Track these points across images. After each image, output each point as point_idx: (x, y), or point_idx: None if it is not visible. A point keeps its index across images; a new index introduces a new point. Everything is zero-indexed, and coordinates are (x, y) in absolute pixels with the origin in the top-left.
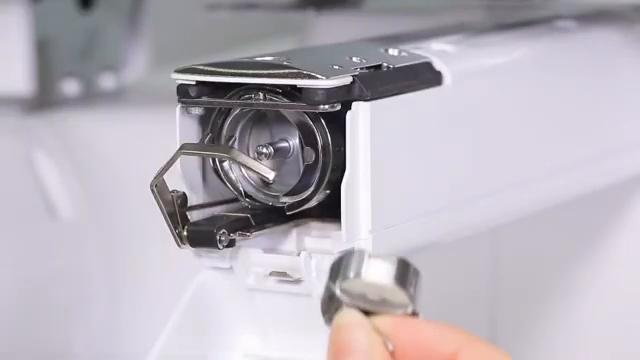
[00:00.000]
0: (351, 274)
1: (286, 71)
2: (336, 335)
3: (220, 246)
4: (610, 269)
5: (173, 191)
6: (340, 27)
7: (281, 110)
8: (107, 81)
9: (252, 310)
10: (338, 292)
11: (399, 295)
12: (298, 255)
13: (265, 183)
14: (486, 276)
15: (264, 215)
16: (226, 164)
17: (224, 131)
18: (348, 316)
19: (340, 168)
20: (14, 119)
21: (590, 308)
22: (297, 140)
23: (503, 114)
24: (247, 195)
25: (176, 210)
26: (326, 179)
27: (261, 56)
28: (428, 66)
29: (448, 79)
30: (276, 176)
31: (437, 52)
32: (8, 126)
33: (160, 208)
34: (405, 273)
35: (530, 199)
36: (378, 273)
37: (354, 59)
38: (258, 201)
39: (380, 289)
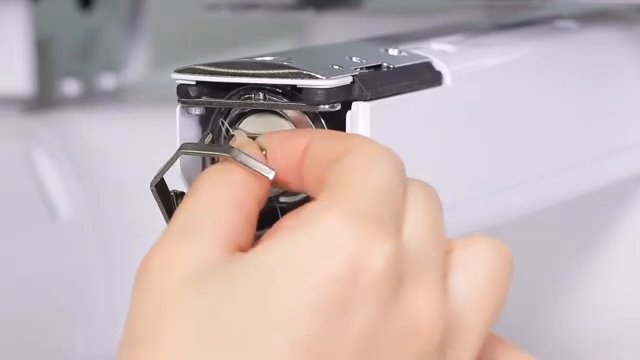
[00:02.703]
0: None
1: (286, 71)
2: None
3: None
4: (610, 269)
5: (173, 191)
6: (340, 27)
7: (280, 110)
8: (107, 81)
9: None
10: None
11: (282, 123)
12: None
13: None
14: None
15: (264, 215)
16: None
17: (224, 131)
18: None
19: None
20: (14, 119)
21: (590, 308)
22: None
23: (503, 114)
24: None
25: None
26: None
27: (261, 56)
28: (428, 66)
29: (448, 79)
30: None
31: (437, 52)
32: (8, 126)
33: (160, 208)
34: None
35: (530, 198)
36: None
37: (354, 59)
38: None
39: (265, 122)
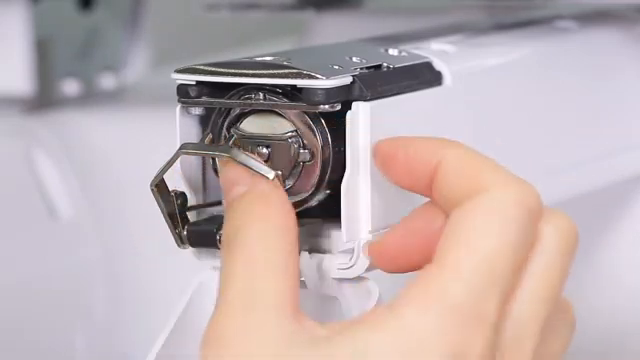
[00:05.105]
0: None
1: (286, 71)
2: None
3: (220, 246)
4: (610, 269)
5: (173, 191)
6: (340, 27)
7: (280, 110)
8: (107, 81)
9: None
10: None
11: (284, 123)
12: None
13: None
14: None
15: None
16: None
17: (224, 131)
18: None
19: (340, 168)
20: (14, 119)
21: (590, 308)
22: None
23: (503, 114)
24: None
25: (176, 210)
26: (326, 179)
27: (261, 56)
28: (428, 66)
29: (448, 79)
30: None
31: (437, 52)
32: (8, 126)
33: (160, 208)
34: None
35: None
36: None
37: (354, 59)
38: None
39: (265, 122)
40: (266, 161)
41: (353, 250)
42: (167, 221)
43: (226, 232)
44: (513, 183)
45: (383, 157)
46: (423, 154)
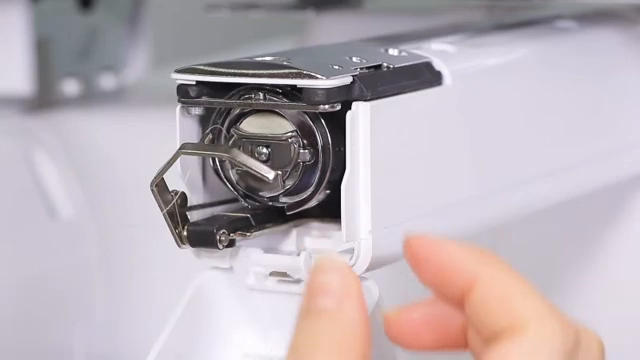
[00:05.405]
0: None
1: (286, 71)
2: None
3: (220, 246)
4: (610, 269)
5: (173, 191)
6: (340, 27)
7: (281, 110)
8: (107, 81)
9: (252, 310)
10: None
11: (283, 123)
12: (298, 255)
13: (265, 183)
14: None
15: (264, 215)
16: (226, 164)
17: (224, 131)
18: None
19: (340, 168)
20: (14, 119)
21: (589, 309)
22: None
23: (503, 114)
24: (247, 195)
25: (176, 210)
26: (326, 179)
27: (261, 56)
28: (428, 66)
29: (448, 79)
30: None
31: (437, 52)
32: (8, 126)
33: (160, 208)
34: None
35: (530, 199)
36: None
37: (354, 59)
38: (258, 201)
39: (265, 122)
40: (266, 161)
41: (353, 250)
42: (167, 221)
43: (299, 342)
44: (549, 318)
45: (414, 257)
46: (457, 269)
